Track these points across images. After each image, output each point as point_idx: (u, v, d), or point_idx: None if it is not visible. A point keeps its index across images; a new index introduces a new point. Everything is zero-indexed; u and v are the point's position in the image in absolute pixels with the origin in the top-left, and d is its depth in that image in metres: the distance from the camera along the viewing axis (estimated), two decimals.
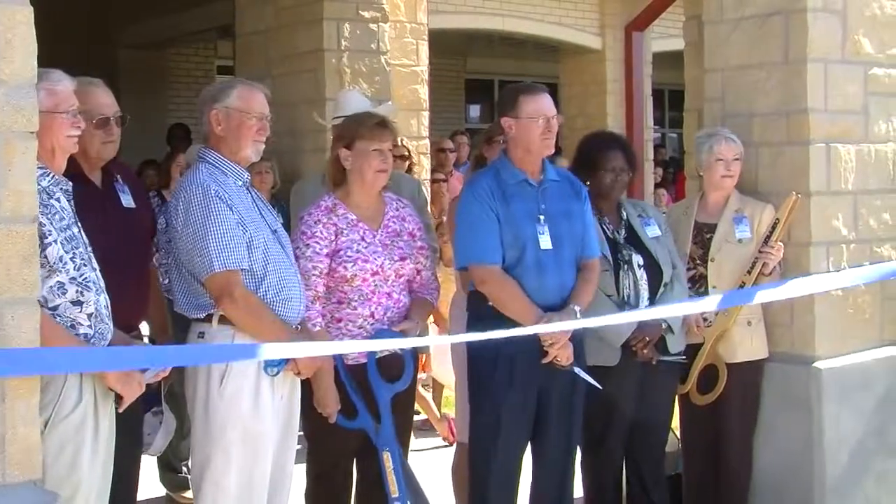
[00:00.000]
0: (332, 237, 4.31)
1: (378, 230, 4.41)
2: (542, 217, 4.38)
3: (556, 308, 4.32)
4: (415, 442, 7.07)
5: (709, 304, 4.72)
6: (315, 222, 4.32)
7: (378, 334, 4.31)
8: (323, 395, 4.22)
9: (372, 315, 4.34)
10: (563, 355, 4.31)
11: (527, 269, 4.34)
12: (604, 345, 4.61)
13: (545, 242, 4.36)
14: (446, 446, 7.00)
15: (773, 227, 4.90)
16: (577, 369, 4.34)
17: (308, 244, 4.28)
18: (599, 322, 4.38)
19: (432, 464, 6.25)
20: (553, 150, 4.55)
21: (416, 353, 4.54)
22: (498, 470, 4.39)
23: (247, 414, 3.86)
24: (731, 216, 5.00)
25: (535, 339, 4.25)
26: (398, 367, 4.37)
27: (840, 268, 5.06)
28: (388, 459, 4.28)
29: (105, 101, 3.96)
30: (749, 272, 4.88)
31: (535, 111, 4.38)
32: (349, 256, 4.31)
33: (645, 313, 4.59)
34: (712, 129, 5.14)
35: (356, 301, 4.33)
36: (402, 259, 4.41)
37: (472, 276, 4.41)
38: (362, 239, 4.36)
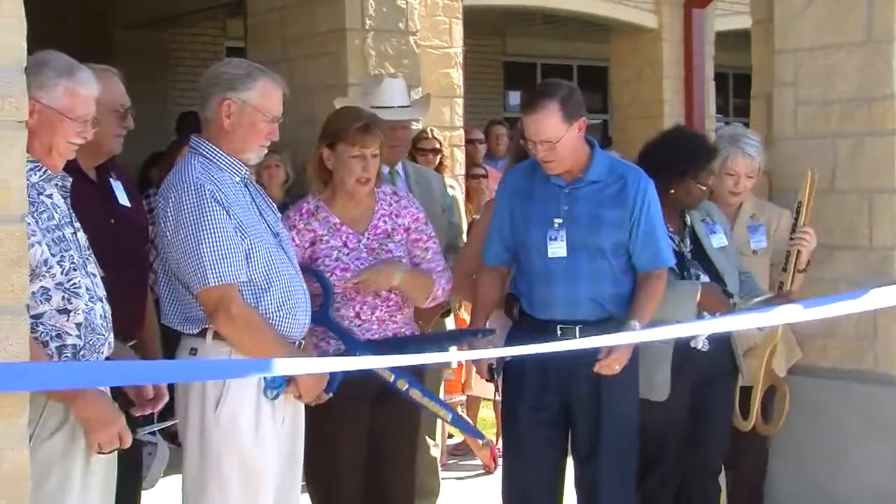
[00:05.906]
0: (307, 245, 4.38)
1: (364, 233, 4.44)
2: (558, 222, 4.35)
3: (562, 323, 4.32)
4: (451, 469, 7.11)
5: (786, 315, 4.58)
6: (290, 227, 4.32)
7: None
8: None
9: (358, 315, 4.39)
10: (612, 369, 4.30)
11: (534, 277, 4.39)
12: (654, 375, 4.54)
13: (556, 250, 4.33)
14: (483, 474, 7.00)
15: (798, 212, 4.85)
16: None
17: None
18: (649, 336, 4.30)
19: (470, 493, 6.22)
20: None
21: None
22: (527, 486, 4.44)
23: (246, 442, 3.80)
24: (746, 224, 4.96)
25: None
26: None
27: None
28: (403, 386, 4.29)
29: (123, 90, 4.01)
30: (784, 269, 4.81)
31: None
32: (326, 266, 4.36)
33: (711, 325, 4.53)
34: (735, 132, 5.04)
35: (338, 303, 4.36)
36: None
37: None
38: (344, 245, 4.40)
